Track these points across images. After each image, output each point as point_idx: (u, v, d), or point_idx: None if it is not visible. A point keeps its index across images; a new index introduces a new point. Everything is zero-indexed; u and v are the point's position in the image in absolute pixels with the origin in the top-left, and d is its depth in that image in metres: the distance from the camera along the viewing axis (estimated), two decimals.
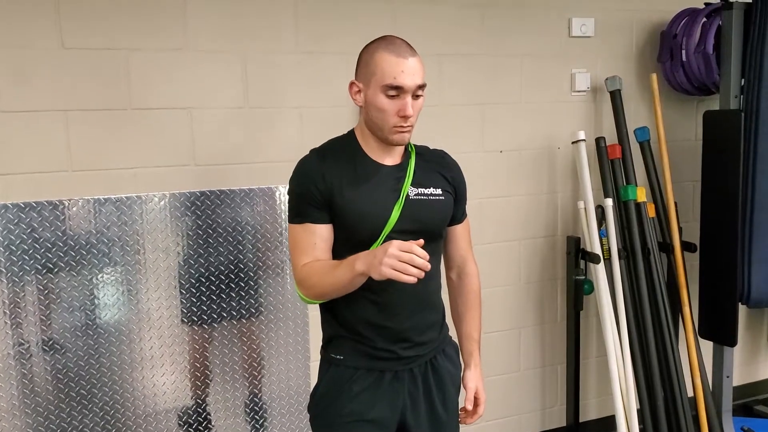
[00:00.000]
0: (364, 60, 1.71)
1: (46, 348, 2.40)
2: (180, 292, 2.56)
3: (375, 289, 1.69)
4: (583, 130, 3.03)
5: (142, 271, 2.50)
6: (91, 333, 2.44)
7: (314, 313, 2.03)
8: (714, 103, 3.17)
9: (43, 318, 2.38)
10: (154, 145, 2.49)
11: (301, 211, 1.73)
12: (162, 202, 2.50)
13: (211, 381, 2.66)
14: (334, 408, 1.76)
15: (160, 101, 2.47)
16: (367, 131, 1.76)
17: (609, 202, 2.99)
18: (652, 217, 3.09)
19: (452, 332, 1.99)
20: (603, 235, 2.99)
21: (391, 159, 1.78)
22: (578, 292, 3.04)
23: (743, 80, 2.93)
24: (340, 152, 1.77)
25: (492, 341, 3.16)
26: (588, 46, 3.17)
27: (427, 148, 1.91)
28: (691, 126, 3.38)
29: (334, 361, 1.80)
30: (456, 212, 1.88)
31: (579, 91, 3.18)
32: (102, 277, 2.45)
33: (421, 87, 1.69)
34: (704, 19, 3.06)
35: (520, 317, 3.22)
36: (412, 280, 1.51)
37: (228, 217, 2.60)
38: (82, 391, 2.44)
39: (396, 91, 1.65)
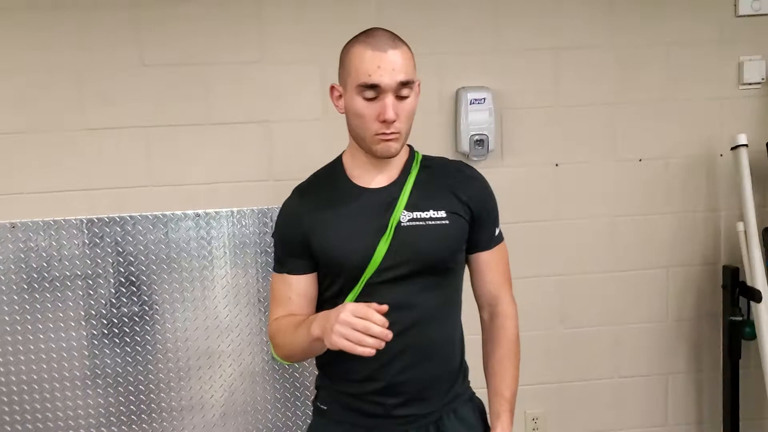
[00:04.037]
0: (342, 59, 1.45)
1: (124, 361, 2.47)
2: (259, 309, 2.49)
3: None
4: (744, 134, 2.40)
5: (218, 288, 2.46)
6: (170, 346, 2.47)
7: None
8: None
9: (127, 329, 2.45)
10: (232, 159, 2.43)
11: (281, 259, 1.53)
12: (240, 218, 2.44)
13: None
14: None
15: (238, 115, 2.41)
16: (355, 146, 1.50)
17: None
18: None
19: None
20: None
21: (384, 178, 1.49)
22: (735, 336, 2.41)
23: None
24: (323, 184, 1.54)
25: (632, 388, 2.65)
26: (762, 26, 2.51)
27: (443, 160, 1.58)
28: None
29: (319, 411, 1.55)
30: (478, 237, 1.53)
31: (749, 84, 2.54)
32: (181, 293, 2.45)
33: (406, 84, 1.38)
34: None
35: (669, 362, 2.65)
36: (369, 352, 1.23)
37: None
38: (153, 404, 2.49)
39: (373, 91, 1.37)
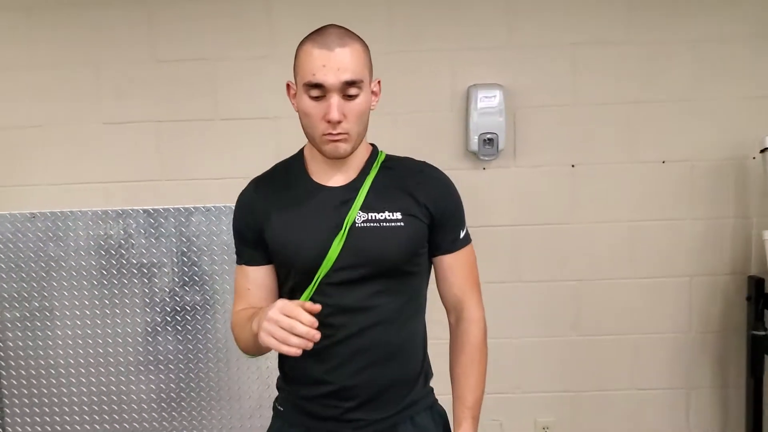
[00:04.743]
0: (295, 56, 1.43)
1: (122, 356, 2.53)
2: None
3: (328, 327, 1.39)
4: None
5: (228, 281, 2.49)
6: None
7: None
8: None
9: (129, 320, 2.51)
10: (241, 155, 2.45)
11: (238, 250, 1.52)
12: None
13: None
14: None
15: (247, 111, 2.43)
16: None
17: None
18: None
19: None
20: None
21: (342, 177, 1.45)
22: (758, 351, 2.25)
23: None
24: (280, 176, 1.51)
25: (651, 401, 2.52)
26: None
27: (408, 161, 1.53)
28: None
29: (276, 413, 1.53)
30: (440, 240, 1.47)
31: None
32: (190, 286, 2.49)
33: (353, 84, 1.33)
34: None
35: (691, 375, 2.51)
36: (294, 352, 1.20)
37: None
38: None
39: (318, 90, 1.33)
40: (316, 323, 1.21)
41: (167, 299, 2.49)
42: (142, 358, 2.52)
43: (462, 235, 1.50)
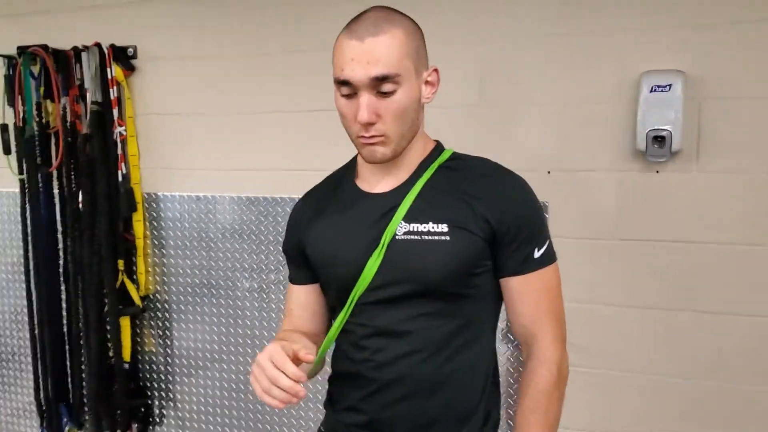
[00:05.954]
0: None
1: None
2: None
3: (364, 350, 1.25)
4: None
5: None
6: None
7: None
8: None
9: (265, 304, 2.55)
10: None
11: (288, 267, 1.43)
12: None
13: None
14: None
15: None
16: None
17: None
18: None
19: None
20: None
21: (392, 180, 1.27)
22: None
23: None
24: (329, 187, 1.39)
25: None
26: None
27: (477, 161, 1.28)
28: None
29: None
30: (504, 259, 1.22)
31: None
32: None
33: (386, 79, 1.15)
34: None
35: None
36: (277, 404, 1.08)
37: None
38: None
39: (348, 87, 1.18)
40: (304, 378, 1.07)
41: None
42: None
43: (538, 254, 1.22)
